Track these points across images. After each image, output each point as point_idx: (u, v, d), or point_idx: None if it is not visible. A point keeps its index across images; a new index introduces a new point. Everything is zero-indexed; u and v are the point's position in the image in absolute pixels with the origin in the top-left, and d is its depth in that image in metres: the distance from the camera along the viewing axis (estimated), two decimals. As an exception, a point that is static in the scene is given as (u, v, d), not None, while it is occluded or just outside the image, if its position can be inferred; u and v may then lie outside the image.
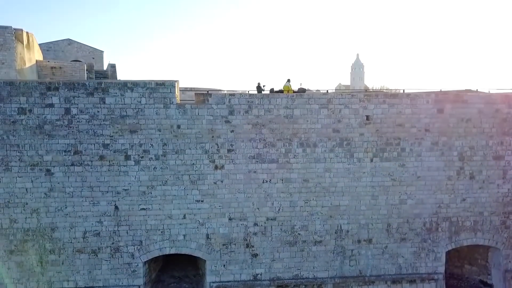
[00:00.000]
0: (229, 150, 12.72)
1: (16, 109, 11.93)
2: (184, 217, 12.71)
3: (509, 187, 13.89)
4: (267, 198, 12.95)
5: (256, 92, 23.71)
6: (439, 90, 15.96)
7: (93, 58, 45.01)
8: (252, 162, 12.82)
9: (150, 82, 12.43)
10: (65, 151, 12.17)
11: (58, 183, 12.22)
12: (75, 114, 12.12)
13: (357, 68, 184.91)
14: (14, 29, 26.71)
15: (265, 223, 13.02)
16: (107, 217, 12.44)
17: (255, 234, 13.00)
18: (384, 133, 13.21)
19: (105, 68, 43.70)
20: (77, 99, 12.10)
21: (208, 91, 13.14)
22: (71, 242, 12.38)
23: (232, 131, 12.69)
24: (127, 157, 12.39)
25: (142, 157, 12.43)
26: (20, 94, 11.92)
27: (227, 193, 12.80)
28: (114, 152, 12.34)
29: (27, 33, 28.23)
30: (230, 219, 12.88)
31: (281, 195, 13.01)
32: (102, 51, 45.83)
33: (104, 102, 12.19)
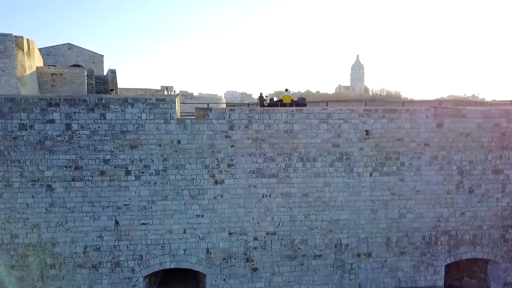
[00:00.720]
0: (229, 165, 12.78)
1: (17, 125, 11.98)
2: (184, 231, 12.76)
3: (508, 201, 13.96)
4: (267, 213, 13.01)
5: (258, 101, 23.90)
6: (439, 98, 16.04)
7: (93, 62, 45.14)
8: (252, 176, 12.88)
9: (150, 98, 12.51)
10: (65, 167, 12.23)
11: (59, 198, 12.27)
12: (76, 130, 12.18)
13: (357, 69, 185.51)
14: (14, 36, 26.81)
15: (265, 237, 13.07)
16: (107, 232, 12.49)
17: (255, 248, 13.05)
18: (383, 148, 13.27)
19: (105, 73, 43.80)
20: (77, 114, 12.16)
21: (208, 107, 13.19)
22: (72, 257, 12.43)
23: (232, 146, 12.74)
24: (128, 172, 12.44)
25: (143, 172, 12.49)
26: (21, 110, 11.97)
27: (227, 208, 12.86)
28: (115, 167, 12.39)
29: (27, 40, 28.32)
30: (230, 233, 12.94)
31: (281, 209, 13.07)
32: (102, 55, 45.89)
33: (104, 118, 12.25)
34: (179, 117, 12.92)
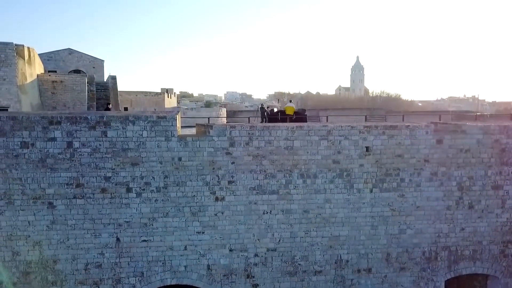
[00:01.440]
0: (229, 182, 12.82)
1: (19, 143, 12.03)
2: (185, 248, 12.81)
3: (508, 216, 14.00)
4: (268, 229, 13.06)
5: (259, 113, 23.99)
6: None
7: (94, 67, 45.34)
8: (252, 193, 12.92)
9: (151, 115, 12.55)
10: (67, 184, 12.27)
11: (60, 215, 12.32)
12: (77, 148, 12.22)
13: (357, 70, 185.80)
14: (15, 44, 26.91)
15: (265, 253, 13.12)
16: (108, 249, 12.54)
17: (255, 264, 13.10)
18: (383, 164, 13.32)
19: (105, 78, 43.89)
20: (79, 132, 12.21)
21: (209, 123, 13.24)
22: (73, 274, 12.48)
23: (232, 163, 12.79)
24: (129, 190, 12.49)
25: (144, 189, 12.54)
26: (23, 128, 12.02)
27: (228, 225, 12.91)
28: (116, 184, 12.44)
29: (28, 48, 28.44)
30: (230, 250, 12.98)
31: (281, 226, 13.11)
32: (102, 60, 46.07)
33: (106, 136, 12.29)
34: (180, 133, 12.96)
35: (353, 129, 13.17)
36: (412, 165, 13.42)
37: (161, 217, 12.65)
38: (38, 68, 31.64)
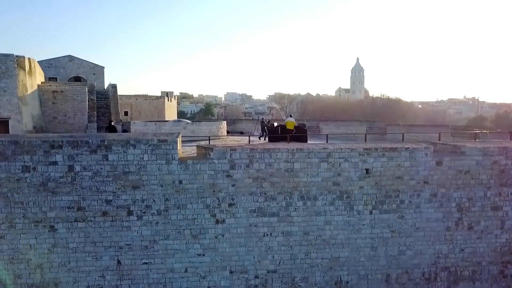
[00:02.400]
0: (230, 204, 12.88)
1: (21, 167, 12.09)
2: (186, 270, 12.87)
3: (507, 237, 14.07)
4: (268, 251, 13.12)
5: (259, 127, 24.01)
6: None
7: (94, 74, 45.38)
8: (253, 215, 12.99)
9: (152, 139, 12.59)
10: (68, 208, 12.33)
11: (62, 239, 12.38)
12: (79, 171, 12.28)
13: (357, 72, 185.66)
14: (16, 56, 26.99)
15: (266, 275, 13.18)
16: (109, 271, 12.60)
17: (256, 286, 13.15)
18: (383, 186, 13.38)
19: (106, 85, 43.95)
20: (80, 156, 12.26)
21: (209, 146, 13.28)
22: (74, 297, 12.54)
23: (233, 185, 12.85)
24: (130, 213, 12.55)
25: (145, 212, 12.60)
26: (24, 153, 12.08)
27: (228, 247, 12.97)
28: (117, 207, 12.50)
29: (29, 59, 28.55)
30: (231, 272, 13.04)
31: (281, 248, 13.17)
32: (103, 67, 46.11)
33: (107, 159, 12.35)
34: (180, 156, 13.02)
35: (353, 151, 13.22)
36: (412, 186, 13.48)
37: (162, 239, 12.71)
38: (39, 77, 31.70)
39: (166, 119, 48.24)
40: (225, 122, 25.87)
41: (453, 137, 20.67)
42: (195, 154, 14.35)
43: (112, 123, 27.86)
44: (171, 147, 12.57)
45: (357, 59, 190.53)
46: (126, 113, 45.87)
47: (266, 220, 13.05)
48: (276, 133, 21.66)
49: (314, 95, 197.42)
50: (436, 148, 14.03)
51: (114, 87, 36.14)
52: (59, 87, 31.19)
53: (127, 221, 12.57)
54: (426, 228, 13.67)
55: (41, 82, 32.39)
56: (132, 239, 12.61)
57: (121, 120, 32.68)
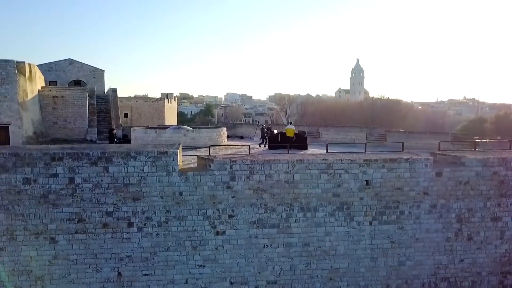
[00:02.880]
0: (230, 216, 12.92)
1: (21, 179, 12.12)
2: (186, 282, 12.90)
3: (507, 248, 14.10)
4: (268, 263, 13.15)
5: (260, 133, 24.06)
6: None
7: (94, 77, 45.41)
8: (253, 227, 13.02)
9: (152, 150, 12.62)
10: (69, 220, 12.36)
11: (62, 250, 12.41)
12: (79, 183, 12.31)
13: (357, 73, 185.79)
14: (16, 62, 27.03)
15: (266, 286, 13.21)
16: (110, 283, 12.63)
17: (256, 297, 13.19)
18: (383, 197, 13.41)
19: (106, 88, 43.98)
20: (81, 168, 12.29)
21: (209, 157, 13.31)
22: (75, 308, 12.57)
23: (233, 197, 12.88)
24: (130, 224, 12.58)
25: (145, 224, 12.63)
26: (25, 165, 12.11)
27: (229, 258, 13.00)
28: (117, 219, 12.53)
29: (29, 64, 28.59)
30: (231, 283, 13.07)
31: (282, 259, 13.20)
32: (103, 70, 46.13)
33: (107, 171, 12.38)
34: (181, 167, 13.05)
35: (353, 162, 13.25)
36: (412, 197, 13.51)
37: (162, 251, 12.74)
38: (39, 82, 31.73)
39: (166, 121, 48.31)
40: (225, 128, 25.89)
41: (453, 144, 20.69)
42: (195, 163, 14.43)
43: (114, 132, 27.91)
44: (172, 159, 12.61)
45: (357, 60, 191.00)
46: (126, 115, 45.84)
47: (266, 231, 13.08)
48: (276, 141, 21.70)
49: (314, 96, 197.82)
50: (436, 159, 14.07)
51: (114, 91, 36.17)
52: (59, 92, 31.21)
53: (127, 233, 12.60)
54: (426, 239, 13.70)
55: (41, 87, 32.42)
56: (132, 251, 12.64)
57: (121, 125, 32.71)
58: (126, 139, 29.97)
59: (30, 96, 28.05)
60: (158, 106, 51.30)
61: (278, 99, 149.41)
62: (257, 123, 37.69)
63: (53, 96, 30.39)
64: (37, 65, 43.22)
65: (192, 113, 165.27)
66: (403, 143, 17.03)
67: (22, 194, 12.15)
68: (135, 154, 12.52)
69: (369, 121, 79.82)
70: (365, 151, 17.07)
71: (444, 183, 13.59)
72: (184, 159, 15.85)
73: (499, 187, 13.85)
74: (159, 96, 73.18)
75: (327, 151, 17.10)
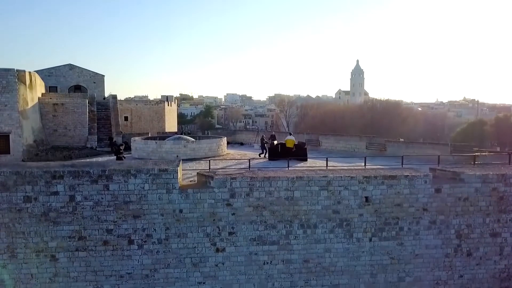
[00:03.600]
0: (230, 233, 12.96)
1: (22, 197, 12.17)
2: (187, 298, 12.94)
3: (506, 263, 14.14)
4: (268, 279, 13.18)
5: (259, 144, 24.09)
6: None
7: (94, 82, 45.44)
8: (253, 244, 13.05)
9: (153, 168, 12.67)
10: (69, 237, 12.41)
11: (63, 268, 12.45)
12: (80, 201, 12.36)
13: (357, 74, 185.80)
14: (16, 70, 27.07)
15: (266, 303, 13.24)
16: (110, 300, 12.66)
17: (256, 314, 13.21)
18: (382, 213, 13.45)
19: (106, 93, 43.99)
20: (81, 186, 12.34)
21: (210, 174, 13.34)
22: (75, 325, 12.59)
23: (233, 214, 12.92)
24: (131, 242, 12.62)
25: (145, 241, 12.67)
26: (26, 183, 12.15)
27: (229, 275, 13.03)
28: (118, 237, 12.57)
29: (29, 73, 28.65)
30: (231, 300, 13.10)
31: (282, 275, 13.24)
32: (103, 75, 46.17)
33: (108, 189, 12.43)
34: (181, 184, 13.10)
35: (352, 179, 13.29)
36: (411, 214, 13.56)
37: (163, 268, 12.78)
38: (39, 89, 31.76)
39: (166, 124, 48.23)
40: (225, 138, 25.91)
41: (452, 156, 20.72)
42: (195, 176, 14.42)
43: (114, 141, 27.91)
44: (172, 176, 12.65)
45: (357, 61, 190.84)
46: (126, 119, 45.79)
47: (266, 248, 13.12)
48: (276, 152, 21.75)
49: (314, 97, 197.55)
50: (436, 174, 14.12)
51: (114, 97, 36.23)
52: (59, 99, 31.24)
53: (128, 250, 12.65)
54: (425, 254, 13.74)
55: (42, 94, 32.47)
56: (133, 268, 12.68)
57: (121, 132, 32.72)
58: (126, 146, 30.03)
59: (30, 104, 28.09)
60: (158, 109, 51.21)
61: (278, 101, 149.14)
62: (257, 130, 37.65)
63: (54, 104, 30.42)
64: (37, 71, 43.39)
65: (192, 114, 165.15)
66: (402, 156, 17.07)
67: (23, 212, 12.19)
68: (136, 172, 12.56)
69: (369, 124, 79.77)
70: (365, 165, 17.11)
71: (443, 199, 13.63)
72: (184, 172, 15.87)
73: (498, 203, 13.89)
74: (159, 96, 73.10)
75: (327, 166, 17.12)
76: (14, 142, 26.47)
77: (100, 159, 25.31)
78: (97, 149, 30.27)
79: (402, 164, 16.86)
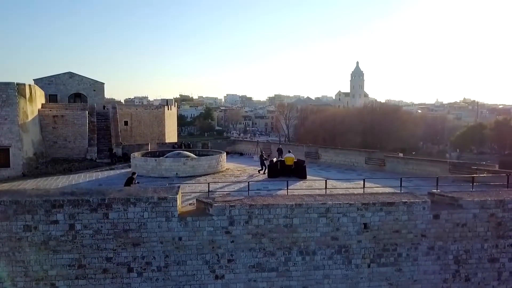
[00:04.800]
0: (229, 260, 13.01)
1: (22, 226, 12.22)
2: (186, 325, 12.98)
3: (504, 288, 14.19)
4: (267, 306, 13.23)
5: (259, 160, 24.12)
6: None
7: (94, 90, 45.47)
8: (252, 271, 13.10)
9: (152, 196, 12.72)
10: (69, 266, 12.46)
11: (63, 296, 12.50)
12: (79, 230, 12.41)
13: (357, 76, 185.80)
14: (16, 84, 27.11)
15: (265, 329, 13.28)
16: (110, 328, 12.71)
17: None
18: (381, 240, 13.50)
19: (106, 96, 43.91)
20: (81, 215, 12.39)
21: (209, 201, 13.39)
22: None
23: (232, 242, 12.97)
24: (130, 270, 12.67)
25: (145, 269, 12.72)
26: (25, 212, 12.21)
27: (228, 302, 13.08)
28: (117, 265, 12.62)
29: (29, 85, 28.69)
30: (230, 326, 13.15)
31: (280, 302, 13.29)
32: (103, 83, 46.22)
33: (107, 217, 12.48)
34: (180, 211, 13.15)
35: (351, 206, 13.34)
36: (409, 240, 13.61)
37: (162, 295, 12.83)
38: (39, 100, 31.79)
39: (166, 128, 48.19)
40: (225, 154, 25.94)
41: (451, 173, 20.77)
42: (194, 201, 14.44)
43: (114, 152, 27.98)
44: (171, 205, 12.71)
45: (357, 63, 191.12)
46: (126, 123, 45.76)
47: (265, 275, 13.17)
48: (276, 169, 21.79)
49: (314, 98, 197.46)
50: (434, 199, 14.16)
51: (114, 107, 36.25)
52: (59, 111, 31.24)
53: (127, 278, 12.70)
54: (424, 280, 13.79)
55: (41, 105, 32.49)
56: (132, 296, 12.72)
57: (121, 143, 32.75)
58: (126, 157, 30.07)
59: (30, 117, 28.13)
60: (158, 113, 51.12)
61: (278, 104, 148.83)
62: (256, 141, 37.74)
63: (53, 116, 30.44)
64: (38, 79, 43.51)
65: (192, 116, 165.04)
66: (401, 178, 17.12)
67: (23, 241, 12.24)
68: (135, 200, 12.61)
69: (368, 128, 79.87)
70: (364, 187, 17.15)
71: (441, 225, 13.69)
72: (183, 194, 15.87)
73: (496, 228, 13.94)
74: (159, 97, 72.74)
75: (326, 188, 17.15)
76: (14, 156, 26.50)
77: (100, 174, 25.32)
78: (97, 160, 30.32)
79: (400, 187, 16.91)
